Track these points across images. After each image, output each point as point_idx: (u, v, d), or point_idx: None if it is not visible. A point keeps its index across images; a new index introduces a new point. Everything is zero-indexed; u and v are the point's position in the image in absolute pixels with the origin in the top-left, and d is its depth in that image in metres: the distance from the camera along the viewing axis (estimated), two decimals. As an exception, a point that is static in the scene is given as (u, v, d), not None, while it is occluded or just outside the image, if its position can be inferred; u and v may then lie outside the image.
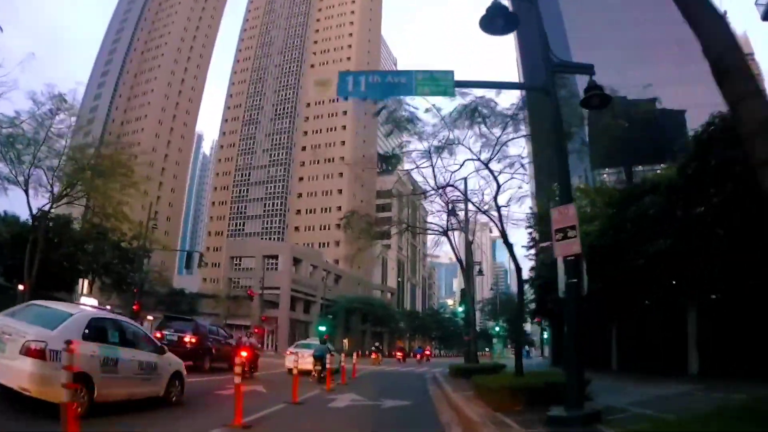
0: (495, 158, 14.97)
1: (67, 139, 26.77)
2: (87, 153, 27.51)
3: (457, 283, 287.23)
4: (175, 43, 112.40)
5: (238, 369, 7.68)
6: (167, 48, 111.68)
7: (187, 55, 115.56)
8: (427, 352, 73.98)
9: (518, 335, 21.78)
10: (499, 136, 14.62)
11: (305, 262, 70.41)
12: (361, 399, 12.09)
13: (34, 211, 26.66)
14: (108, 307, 21.42)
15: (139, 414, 7.69)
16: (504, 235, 14.67)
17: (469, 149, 15.25)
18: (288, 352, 21.42)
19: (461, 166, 16.19)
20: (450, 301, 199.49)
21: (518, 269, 14.61)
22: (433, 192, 19.20)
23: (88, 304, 18.72)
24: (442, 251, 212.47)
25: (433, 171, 16.20)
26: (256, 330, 49.37)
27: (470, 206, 20.13)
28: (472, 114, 14.33)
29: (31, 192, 24.79)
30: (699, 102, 21.86)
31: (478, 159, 15.31)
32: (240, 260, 73.40)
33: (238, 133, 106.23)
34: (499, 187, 14.80)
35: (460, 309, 52.19)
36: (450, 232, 22.65)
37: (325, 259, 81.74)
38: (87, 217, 38.53)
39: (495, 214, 15.62)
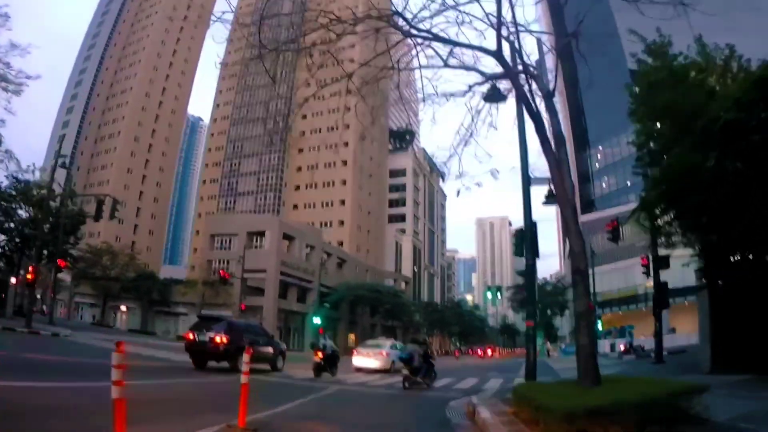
0: None
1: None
2: None
3: (476, 279, 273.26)
4: (167, 12, 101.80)
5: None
6: (158, 17, 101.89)
7: (180, 25, 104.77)
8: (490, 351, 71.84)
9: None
10: None
11: (299, 241, 58.17)
12: None
13: None
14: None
15: None
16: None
17: None
18: (355, 352, 22.98)
19: None
20: (469, 297, 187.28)
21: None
22: None
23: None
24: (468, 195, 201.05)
25: None
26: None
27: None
28: None
29: None
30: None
31: None
32: (228, 241, 61.49)
33: (232, 103, 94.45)
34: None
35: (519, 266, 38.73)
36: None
37: (328, 240, 69.70)
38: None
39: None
